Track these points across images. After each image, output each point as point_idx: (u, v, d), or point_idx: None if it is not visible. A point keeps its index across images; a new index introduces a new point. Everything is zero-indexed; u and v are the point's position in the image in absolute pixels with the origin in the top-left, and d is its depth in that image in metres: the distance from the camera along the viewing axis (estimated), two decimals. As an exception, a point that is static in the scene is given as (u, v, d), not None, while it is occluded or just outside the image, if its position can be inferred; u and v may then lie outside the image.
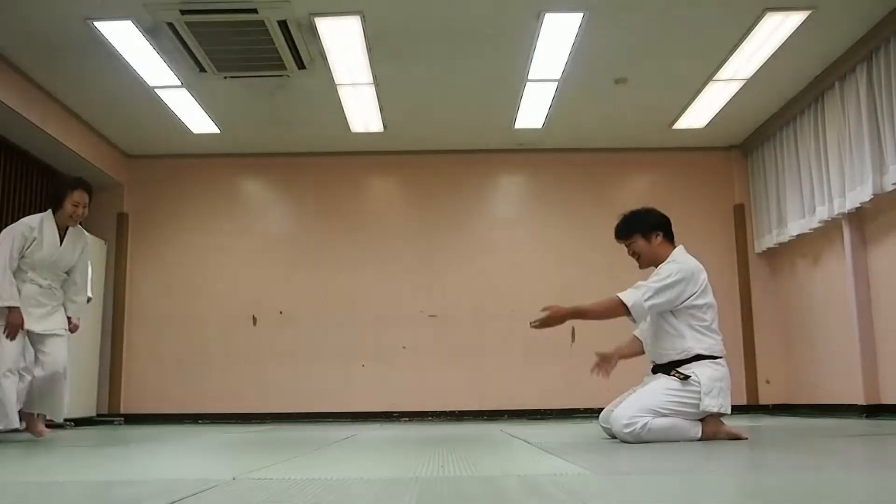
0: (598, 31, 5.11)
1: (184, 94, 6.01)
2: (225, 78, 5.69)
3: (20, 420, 4.16)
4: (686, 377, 3.22)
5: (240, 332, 7.22)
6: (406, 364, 7.14)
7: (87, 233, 4.57)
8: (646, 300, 3.28)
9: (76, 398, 6.08)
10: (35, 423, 4.30)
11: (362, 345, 7.16)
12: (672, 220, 3.57)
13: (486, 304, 7.20)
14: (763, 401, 7.01)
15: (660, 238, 3.50)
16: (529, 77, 5.81)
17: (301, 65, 5.46)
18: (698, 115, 6.62)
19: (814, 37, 5.21)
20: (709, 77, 5.88)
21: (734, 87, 6.05)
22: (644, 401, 3.22)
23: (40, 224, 4.26)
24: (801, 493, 1.73)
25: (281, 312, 7.25)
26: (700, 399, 3.19)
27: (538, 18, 4.95)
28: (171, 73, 5.59)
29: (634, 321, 3.39)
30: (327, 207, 7.44)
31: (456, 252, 7.35)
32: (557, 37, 5.16)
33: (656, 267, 3.46)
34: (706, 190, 7.40)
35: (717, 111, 6.53)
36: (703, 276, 3.39)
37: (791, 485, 1.86)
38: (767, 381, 7.04)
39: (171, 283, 7.34)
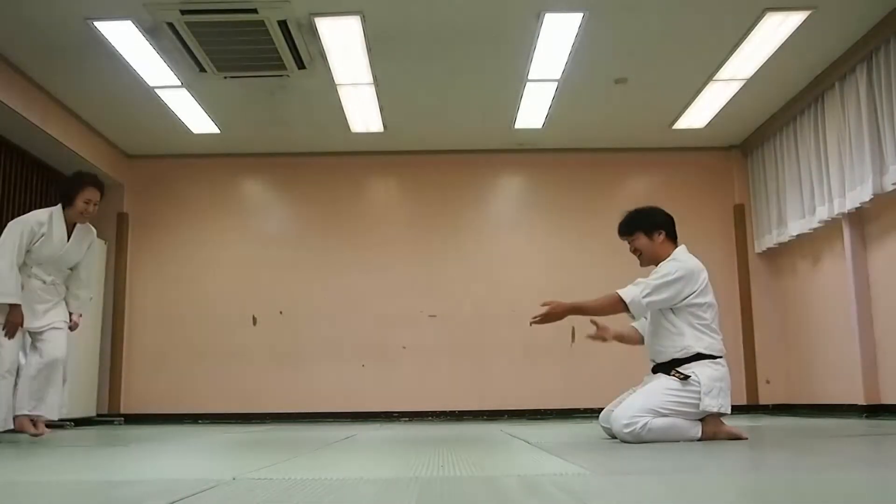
0: (598, 31, 5.11)
1: (184, 94, 6.02)
2: (225, 78, 5.68)
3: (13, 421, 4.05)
4: (686, 377, 3.23)
5: (240, 332, 7.21)
6: (406, 364, 7.14)
7: (94, 230, 4.49)
8: (644, 297, 3.29)
9: (76, 398, 6.08)
10: (26, 422, 4.07)
11: (362, 345, 7.16)
12: (673, 220, 3.58)
13: (487, 303, 7.19)
14: (763, 401, 7.00)
15: (662, 237, 3.50)
16: (529, 77, 5.81)
17: (301, 65, 5.45)
18: (698, 115, 6.62)
19: (814, 37, 5.21)
20: (709, 77, 5.88)
21: (734, 87, 6.05)
22: (644, 401, 3.22)
23: (49, 219, 4.19)
24: (801, 493, 1.73)
25: (281, 312, 7.25)
26: (700, 399, 3.20)
27: (538, 18, 4.95)
28: (171, 73, 5.59)
29: (633, 317, 3.40)
30: (327, 207, 7.44)
31: (456, 252, 7.34)
32: (557, 37, 5.16)
33: (656, 265, 3.47)
34: (706, 190, 7.40)
35: (717, 111, 6.52)
36: (704, 275, 3.39)
37: (791, 485, 1.86)
38: (767, 381, 7.03)
39: (171, 283, 7.33)
